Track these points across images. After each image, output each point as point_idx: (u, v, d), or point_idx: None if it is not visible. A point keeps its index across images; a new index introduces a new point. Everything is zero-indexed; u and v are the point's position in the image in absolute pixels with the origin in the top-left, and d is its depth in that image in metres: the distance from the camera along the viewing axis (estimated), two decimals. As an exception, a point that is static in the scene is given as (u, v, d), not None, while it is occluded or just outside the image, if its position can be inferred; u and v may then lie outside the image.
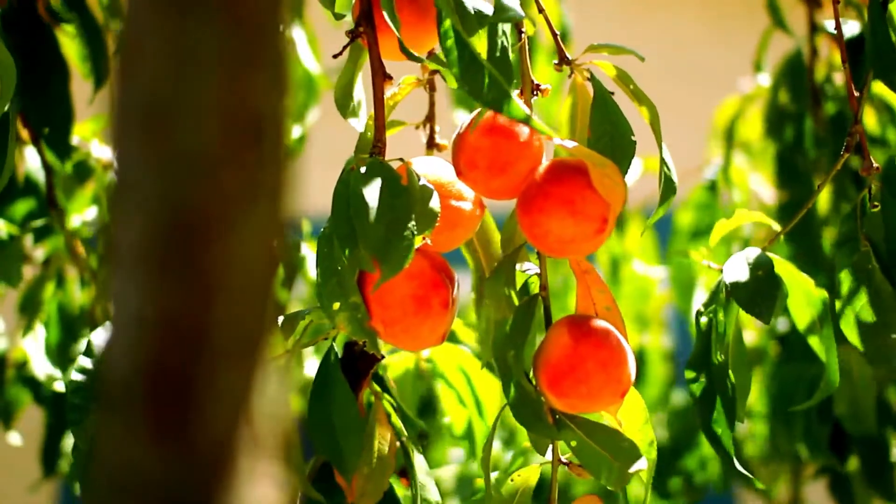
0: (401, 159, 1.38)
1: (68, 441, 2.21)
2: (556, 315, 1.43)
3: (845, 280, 1.55)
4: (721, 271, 1.51)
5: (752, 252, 1.52)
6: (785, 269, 1.51)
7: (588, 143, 1.39)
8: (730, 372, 1.50)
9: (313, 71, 2.31)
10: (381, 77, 1.41)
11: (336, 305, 1.35)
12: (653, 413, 2.96)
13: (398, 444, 1.44)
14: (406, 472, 1.48)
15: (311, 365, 2.13)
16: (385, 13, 1.32)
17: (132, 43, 0.73)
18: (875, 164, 1.55)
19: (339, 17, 1.46)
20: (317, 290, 1.35)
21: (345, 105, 1.48)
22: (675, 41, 5.71)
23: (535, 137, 1.37)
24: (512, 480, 1.43)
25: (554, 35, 1.46)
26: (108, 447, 0.72)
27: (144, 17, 0.72)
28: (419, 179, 1.33)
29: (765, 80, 2.50)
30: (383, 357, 1.45)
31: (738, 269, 1.50)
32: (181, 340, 0.71)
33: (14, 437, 2.28)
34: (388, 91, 1.43)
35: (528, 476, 1.44)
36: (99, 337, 1.47)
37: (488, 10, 1.30)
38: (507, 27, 1.32)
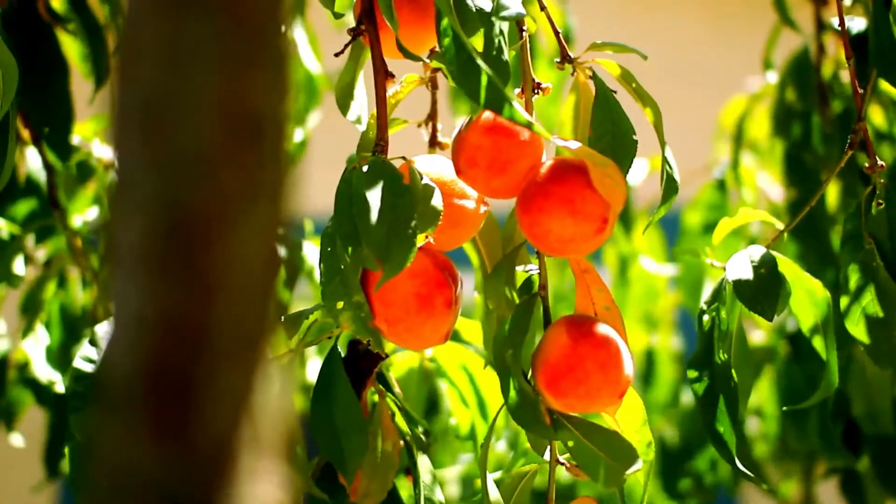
0: (403, 158, 1.38)
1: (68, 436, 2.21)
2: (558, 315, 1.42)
3: (852, 277, 1.54)
4: (725, 269, 1.51)
5: (756, 250, 1.51)
6: (788, 267, 1.50)
7: (589, 142, 1.39)
8: (732, 371, 1.49)
9: (314, 72, 2.30)
10: (383, 75, 1.41)
11: (339, 304, 1.34)
12: (662, 414, 2.96)
13: (402, 443, 1.44)
14: (410, 472, 1.47)
15: (314, 364, 2.13)
16: (383, 13, 1.31)
17: (132, 42, 0.73)
18: (880, 162, 1.55)
19: (338, 15, 1.46)
20: (320, 289, 1.35)
21: (346, 104, 1.48)
22: (675, 41, 5.71)
23: (535, 136, 1.36)
24: (510, 480, 1.43)
25: (556, 33, 1.46)
26: (108, 447, 0.72)
27: (144, 16, 0.72)
28: (422, 178, 1.33)
29: (773, 78, 2.49)
30: (387, 356, 1.45)
31: (741, 267, 1.49)
32: (181, 340, 0.71)
33: (16, 439, 2.28)
34: (390, 89, 1.43)
35: (526, 476, 1.43)
36: (103, 330, 1.47)
37: (489, 8, 1.29)
38: (505, 25, 1.31)
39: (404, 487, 1.49)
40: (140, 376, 0.71)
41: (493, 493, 1.40)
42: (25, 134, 1.91)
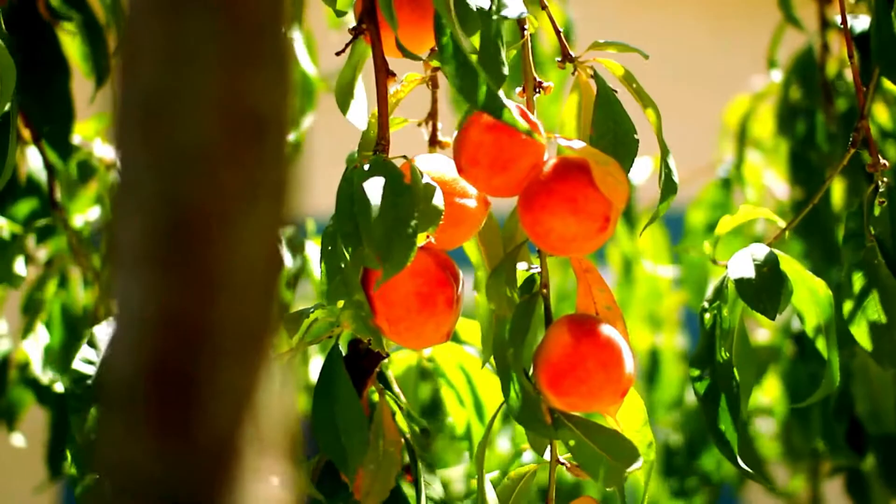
0: (404, 157, 1.38)
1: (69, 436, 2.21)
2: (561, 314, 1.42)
3: (855, 277, 1.54)
4: (727, 268, 1.51)
5: (758, 248, 1.51)
6: (791, 266, 1.50)
7: (591, 141, 1.39)
8: (734, 370, 1.49)
9: (311, 73, 2.30)
10: (384, 74, 1.41)
11: (340, 303, 1.34)
12: (668, 413, 2.96)
13: (403, 442, 1.44)
14: (410, 471, 1.47)
15: (316, 364, 2.13)
16: (383, 12, 1.31)
17: (133, 41, 0.73)
18: (883, 161, 1.55)
19: (340, 14, 1.46)
20: (321, 288, 1.35)
21: (346, 103, 1.48)
22: (675, 40, 5.71)
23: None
24: (509, 480, 1.43)
25: (557, 32, 1.46)
26: (110, 446, 0.72)
27: (145, 15, 0.72)
28: (422, 177, 1.32)
29: (777, 76, 2.49)
30: (388, 355, 1.45)
31: (743, 265, 1.49)
32: (183, 339, 0.71)
33: (18, 439, 2.28)
34: (391, 88, 1.43)
35: (525, 476, 1.43)
36: (102, 330, 1.47)
37: (488, 6, 1.29)
38: (504, 24, 1.31)
39: (407, 486, 1.49)
40: (142, 375, 0.71)
41: (490, 494, 1.40)
42: (26, 133, 1.91)
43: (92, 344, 1.48)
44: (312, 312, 1.39)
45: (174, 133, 0.71)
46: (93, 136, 2.14)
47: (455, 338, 1.76)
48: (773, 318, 1.46)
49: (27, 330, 2.03)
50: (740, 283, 1.48)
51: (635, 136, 1.40)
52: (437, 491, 1.46)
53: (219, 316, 0.72)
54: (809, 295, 1.51)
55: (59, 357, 2.07)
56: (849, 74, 2.36)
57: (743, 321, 1.53)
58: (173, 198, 0.71)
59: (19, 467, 3.05)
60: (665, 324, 3.00)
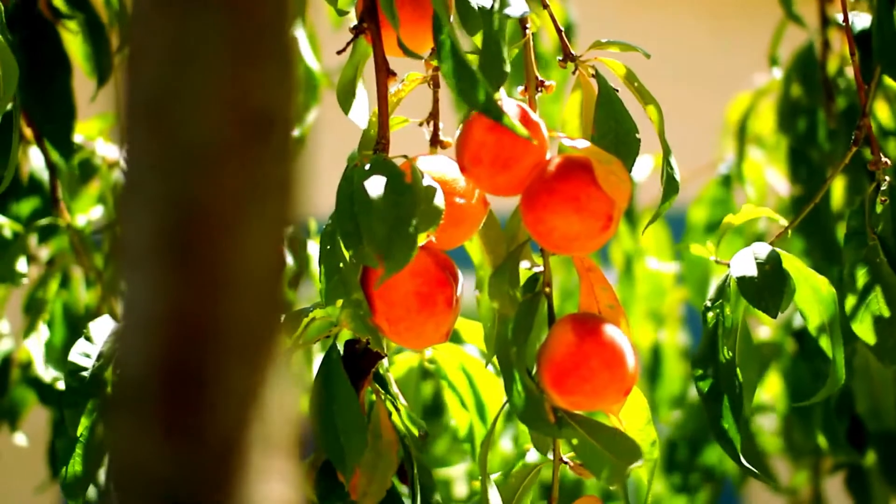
0: (405, 156, 1.38)
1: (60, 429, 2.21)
2: (565, 313, 1.42)
3: (857, 275, 1.54)
4: (729, 266, 1.51)
5: (760, 247, 1.51)
6: (793, 264, 1.50)
7: (592, 141, 1.39)
8: (737, 368, 1.49)
9: (315, 69, 2.30)
10: (384, 73, 1.41)
11: (339, 303, 1.34)
12: (671, 410, 2.96)
13: (400, 443, 1.44)
14: (405, 473, 1.47)
15: (317, 363, 2.13)
16: (384, 11, 1.31)
17: (138, 40, 0.73)
18: (884, 159, 1.55)
19: (342, 13, 1.46)
20: (321, 287, 1.35)
21: (347, 102, 1.47)
22: (674, 40, 5.71)
23: (539, 133, 1.36)
24: (512, 479, 1.43)
25: (559, 31, 1.46)
26: (120, 445, 0.72)
27: (150, 13, 0.72)
28: (423, 176, 1.32)
29: (778, 73, 2.49)
30: (386, 355, 1.45)
31: (745, 264, 1.49)
32: (191, 338, 0.72)
33: (20, 438, 2.28)
34: (392, 88, 1.43)
35: (528, 475, 1.43)
36: (99, 325, 1.48)
37: (489, 5, 1.29)
38: (507, 22, 1.31)
39: (403, 487, 1.49)
40: (149, 374, 0.71)
41: (494, 495, 1.40)
42: (28, 132, 1.91)
43: (88, 338, 1.48)
44: (311, 311, 1.39)
45: (179, 131, 0.72)
46: (95, 136, 2.14)
47: (456, 338, 1.76)
48: (774, 317, 1.46)
49: (29, 329, 2.03)
50: (742, 282, 1.48)
51: (637, 135, 1.40)
52: (432, 492, 1.46)
53: (225, 315, 0.72)
54: (812, 293, 1.51)
55: (61, 356, 2.06)
56: (849, 72, 2.36)
57: (745, 319, 1.53)
58: (179, 196, 0.71)
59: (21, 467, 3.05)
60: (667, 321, 3.00)
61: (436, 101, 1.59)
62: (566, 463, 1.42)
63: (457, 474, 2.59)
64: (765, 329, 2.71)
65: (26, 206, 2.05)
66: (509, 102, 1.34)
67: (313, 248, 2.03)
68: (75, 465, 1.44)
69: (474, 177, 1.38)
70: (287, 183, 0.74)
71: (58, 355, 2.06)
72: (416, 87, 1.48)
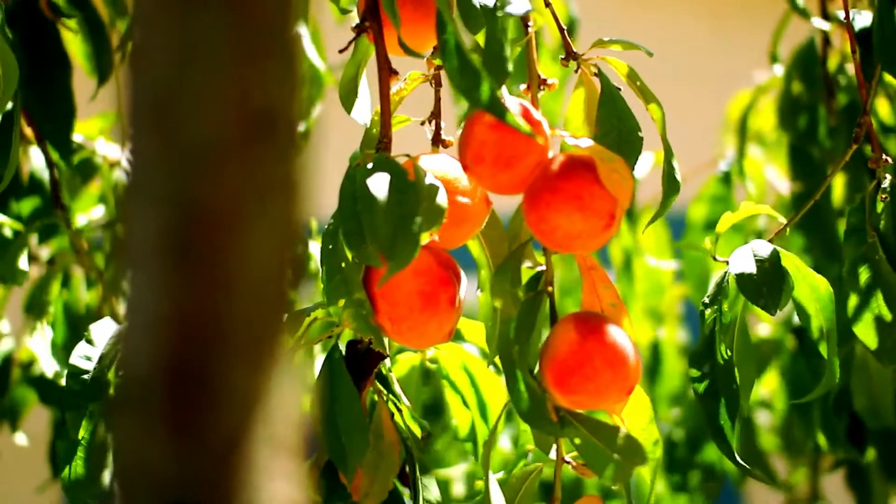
0: (407, 155, 1.37)
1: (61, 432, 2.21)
2: (567, 311, 1.42)
3: (858, 274, 1.54)
4: (728, 263, 1.51)
5: (759, 244, 1.51)
6: (792, 262, 1.50)
7: (595, 139, 1.38)
8: (734, 366, 1.49)
9: (318, 66, 2.29)
10: (387, 72, 1.40)
11: (341, 302, 1.34)
12: (670, 408, 2.96)
13: (402, 443, 1.44)
14: (406, 473, 1.47)
15: (319, 363, 2.13)
16: (386, 10, 1.31)
17: (142, 39, 0.73)
18: (886, 157, 1.55)
19: (344, 11, 1.46)
20: (323, 287, 1.35)
21: (349, 101, 1.47)
22: (674, 40, 5.71)
23: (541, 131, 1.36)
24: (514, 479, 1.43)
25: (560, 29, 1.46)
26: (123, 445, 0.72)
27: (154, 12, 0.72)
28: (425, 175, 1.32)
29: (779, 70, 2.49)
30: (388, 355, 1.45)
31: (744, 261, 1.49)
32: (194, 337, 0.71)
33: (20, 438, 2.28)
34: (394, 87, 1.42)
35: (531, 475, 1.43)
36: (100, 327, 1.47)
37: (493, 4, 1.29)
38: (509, 20, 1.31)
39: (405, 488, 1.49)
40: (153, 374, 0.71)
41: (497, 495, 1.40)
42: (28, 132, 1.90)
43: (89, 340, 1.48)
44: (312, 311, 1.39)
45: (183, 131, 0.72)
46: (95, 135, 2.14)
47: (458, 337, 1.76)
48: (773, 314, 1.46)
49: (32, 329, 2.03)
50: (741, 279, 1.48)
51: (639, 133, 1.40)
52: (433, 493, 1.46)
53: (229, 315, 0.72)
54: (810, 291, 1.52)
55: (62, 356, 2.06)
56: (850, 69, 2.36)
57: (744, 317, 1.53)
58: (182, 196, 0.71)
59: (22, 467, 3.05)
60: (666, 318, 3.00)
61: (437, 100, 1.58)
62: (568, 463, 1.41)
63: (455, 474, 2.59)
64: (764, 326, 2.72)
65: (27, 206, 2.04)
66: (511, 100, 1.34)
67: (314, 247, 2.03)
68: (77, 467, 1.44)
69: (476, 175, 1.38)
70: (291, 182, 0.74)
71: (59, 355, 2.06)
72: (417, 85, 1.48)
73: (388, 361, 1.47)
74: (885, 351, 1.54)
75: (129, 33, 0.69)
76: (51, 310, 2.06)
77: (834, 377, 1.52)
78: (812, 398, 1.61)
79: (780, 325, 2.67)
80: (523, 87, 1.42)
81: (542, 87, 1.42)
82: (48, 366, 2.04)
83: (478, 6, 1.29)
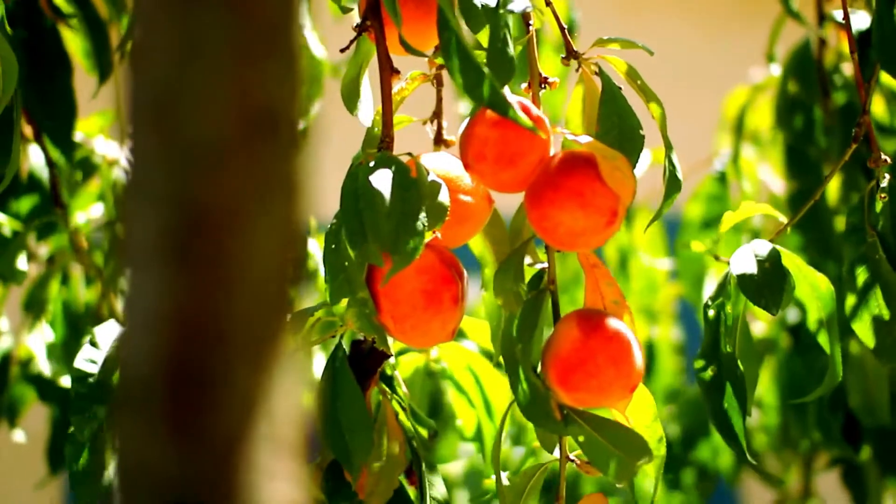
0: (409, 154, 1.37)
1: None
2: (564, 309, 1.42)
3: (857, 273, 1.54)
4: (728, 263, 1.51)
5: (760, 244, 1.51)
6: (792, 261, 1.50)
7: (596, 137, 1.39)
8: (738, 363, 1.49)
9: (322, 58, 2.29)
10: (388, 72, 1.40)
11: (344, 301, 1.34)
12: (664, 406, 2.96)
13: (407, 442, 1.44)
14: (413, 472, 1.47)
15: (318, 361, 2.13)
16: (387, 9, 1.31)
17: (143, 37, 0.73)
18: (884, 156, 1.55)
19: (345, 10, 1.46)
20: (325, 286, 1.35)
21: (351, 100, 1.47)
22: (671, 42, 5.71)
23: (543, 129, 1.36)
24: (520, 477, 1.43)
25: (561, 28, 1.46)
26: (125, 445, 0.71)
27: (155, 11, 0.72)
28: (428, 173, 1.32)
29: (776, 70, 2.49)
30: (391, 355, 1.44)
31: (745, 261, 1.50)
32: (195, 337, 0.71)
33: (19, 435, 2.28)
34: (395, 86, 1.42)
35: (537, 473, 1.43)
36: (104, 330, 1.47)
37: (494, 2, 1.29)
38: (510, 19, 1.31)
39: (411, 487, 1.49)
40: (154, 374, 0.71)
41: (508, 493, 1.40)
42: (28, 130, 1.90)
43: (94, 343, 1.47)
44: (316, 311, 1.39)
45: (183, 129, 0.71)
46: (95, 133, 2.14)
47: (461, 336, 1.76)
48: (775, 314, 1.46)
49: (31, 327, 2.03)
50: (742, 279, 1.48)
51: (641, 132, 1.40)
52: (440, 491, 1.46)
53: (230, 314, 0.72)
54: (811, 290, 1.52)
55: (61, 354, 2.07)
56: (846, 68, 2.36)
57: (745, 316, 1.54)
58: (183, 195, 0.71)
59: (20, 464, 3.05)
60: (661, 317, 3.01)
61: (439, 99, 1.59)
62: (573, 461, 1.41)
63: (452, 473, 2.59)
64: (759, 325, 2.72)
65: (26, 204, 2.04)
66: (512, 99, 1.34)
67: (314, 246, 2.03)
68: (84, 467, 1.44)
69: (479, 173, 1.38)
70: (291, 181, 0.74)
71: (58, 353, 2.06)
72: (419, 85, 1.48)
73: (392, 360, 1.46)
74: (884, 349, 1.54)
75: (130, 32, 0.69)
76: (50, 308, 2.06)
77: (836, 376, 1.52)
78: (814, 397, 1.61)
79: (775, 323, 2.68)
80: (524, 85, 1.43)
81: (543, 86, 1.42)
82: (46, 364, 2.04)
83: (479, 5, 1.29)
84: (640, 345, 1.38)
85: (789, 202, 2.45)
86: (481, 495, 1.60)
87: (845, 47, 2.34)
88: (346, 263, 1.32)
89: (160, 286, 0.71)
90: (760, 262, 1.49)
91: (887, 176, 1.56)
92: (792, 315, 2.60)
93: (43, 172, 2.02)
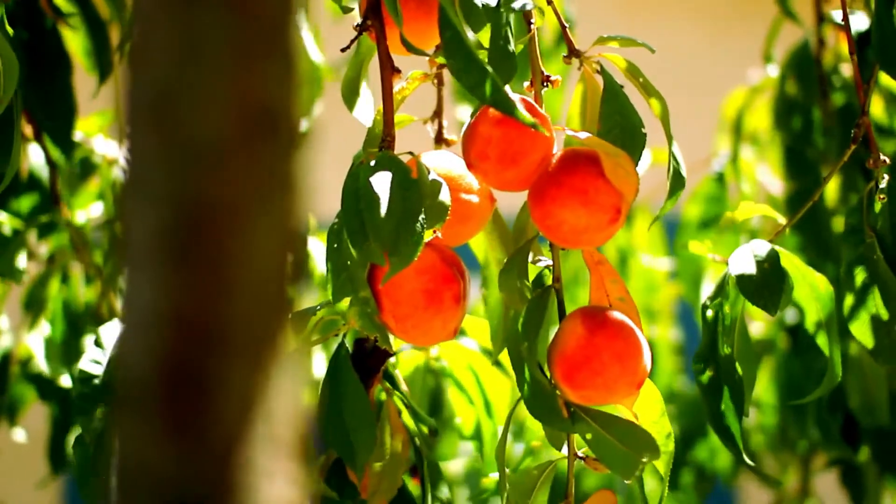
0: (410, 153, 1.37)
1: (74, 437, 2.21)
2: (567, 307, 1.42)
3: (855, 274, 1.54)
4: (727, 263, 1.51)
5: (758, 244, 1.51)
6: (791, 262, 1.51)
7: (598, 135, 1.39)
8: (737, 364, 1.49)
9: (318, 62, 2.29)
10: (389, 71, 1.40)
11: (346, 301, 1.34)
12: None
13: (410, 441, 1.44)
14: (417, 470, 1.47)
15: (318, 360, 2.13)
16: (388, 7, 1.31)
17: (142, 36, 0.73)
18: (883, 157, 1.55)
19: (346, 10, 1.46)
20: (327, 285, 1.35)
21: (352, 100, 1.47)
22: (669, 43, 5.71)
23: (546, 127, 1.36)
24: (531, 475, 1.42)
25: (563, 27, 1.46)
26: (123, 445, 0.71)
27: (154, 10, 0.72)
28: (429, 173, 1.32)
29: (773, 71, 2.49)
30: (394, 354, 1.44)
31: (743, 262, 1.49)
32: (195, 336, 0.71)
33: (19, 434, 2.28)
34: (396, 85, 1.42)
35: (546, 471, 1.43)
36: (109, 330, 1.47)
37: (495, 1, 1.29)
38: (511, 17, 1.31)
39: (413, 485, 1.49)
40: (153, 373, 0.71)
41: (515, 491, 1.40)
42: (28, 129, 1.90)
43: (99, 344, 1.47)
44: (319, 310, 1.39)
45: (183, 129, 0.71)
46: (95, 132, 2.14)
47: (463, 335, 1.76)
48: (773, 315, 1.46)
49: (30, 326, 2.03)
50: (741, 280, 1.48)
51: (643, 129, 1.40)
52: (443, 490, 1.46)
53: (229, 314, 0.71)
54: (810, 290, 1.52)
55: (61, 353, 2.06)
56: (844, 69, 2.37)
57: (743, 317, 1.54)
58: (185, 193, 0.71)
59: (21, 463, 3.05)
60: (660, 317, 3.01)
61: (440, 98, 1.59)
62: (581, 458, 1.41)
63: (453, 470, 2.59)
64: (757, 325, 2.72)
65: (26, 203, 2.04)
66: (514, 97, 1.34)
67: (313, 245, 2.03)
68: (92, 470, 1.44)
69: (481, 173, 1.38)
70: (291, 181, 0.74)
71: (58, 352, 2.06)
72: (419, 84, 1.48)
73: (394, 359, 1.46)
74: (882, 350, 1.54)
75: (129, 32, 0.69)
76: (50, 307, 2.06)
77: (836, 377, 1.52)
78: (814, 397, 1.61)
79: (773, 324, 2.68)
80: (527, 84, 1.43)
81: (545, 84, 1.42)
82: (45, 364, 2.04)
83: (479, 4, 1.29)
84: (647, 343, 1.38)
85: (788, 203, 2.45)
86: (480, 493, 1.60)
87: (844, 48, 2.34)
88: (349, 263, 1.32)
89: (158, 285, 0.71)
90: (759, 263, 1.49)
91: (886, 177, 1.56)
92: (790, 316, 2.60)
93: (43, 171, 2.02)
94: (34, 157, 2.05)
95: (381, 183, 1.29)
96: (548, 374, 1.37)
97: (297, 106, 0.75)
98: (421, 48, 1.38)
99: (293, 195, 0.74)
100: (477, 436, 1.73)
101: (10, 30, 1.54)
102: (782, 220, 1.64)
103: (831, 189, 2.38)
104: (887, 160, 1.56)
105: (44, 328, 2.07)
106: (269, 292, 0.73)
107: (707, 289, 2.66)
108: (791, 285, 1.51)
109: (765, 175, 2.76)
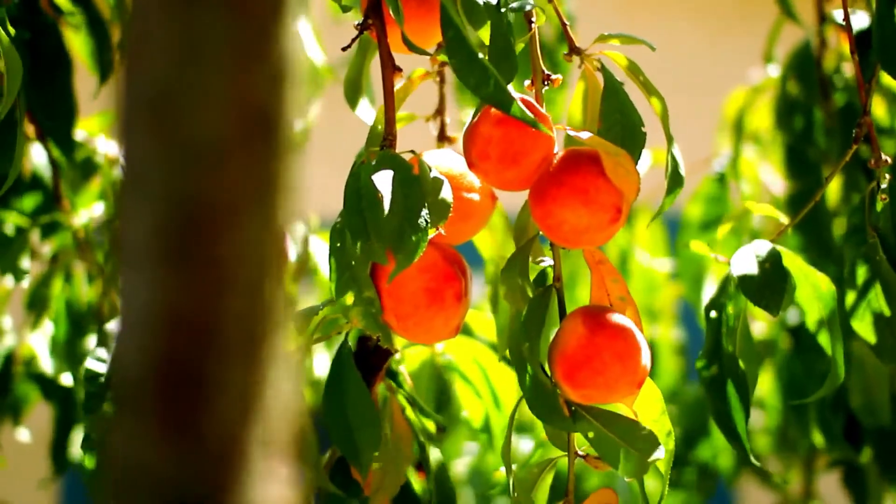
0: (412, 151, 1.37)
1: (77, 437, 2.21)
2: (568, 307, 1.42)
3: (858, 273, 1.54)
4: (729, 264, 1.51)
5: (760, 244, 1.52)
6: (793, 262, 1.51)
7: (599, 134, 1.39)
8: (740, 363, 1.49)
9: (317, 62, 2.29)
10: (390, 70, 1.40)
11: (349, 299, 1.34)
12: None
13: (414, 438, 1.44)
14: (422, 466, 1.47)
15: (320, 358, 2.13)
16: (389, 6, 1.31)
17: (140, 36, 0.73)
18: (885, 157, 1.55)
19: (346, 9, 1.46)
20: (329, 284, 1.35)
21: (354, 98, 1.47)
22: (669, 44, 5.71)
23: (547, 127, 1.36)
24: (531, 471, 1.42)
25: (563, 25, 1.46)
26: (119, 444, 0.71)
27: (152, 10, 0.72)
28: (431, 171, 1.32)
29: (775, 71, 2.49)
30: (397, 351, 1.44)
31: (746, 262, 1.50)
32: (191, 336, 0.71)
33: (23, 434, 2.28)
34: (398, 84, 1.43)
35: (546, 467, 1.43)
36: (114, 327, 1.47)
37: (495, 1, 1.29)
38: (511, 16, 1.31)
39: (417, 481, 1.49)
40: (149, 373, 0.71)
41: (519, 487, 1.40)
42: (30, 129, 1.90)
43: (103, 342, 1.47)
44: (321, 309, 1.39)
45: (180, 129, 0.71)
46: (96, 132, 2.14)
47: (468, 331, 1.76)
48: (775, 315, 1.46)
49: (34, 325, 2.03)
50: (744, 280, 1.48)
51: (643, 128, 1.40)
52: (448, 487, 1.46)
53: (227, 313, 0.71)
54: (812, 290, 1.52)
55: (64, 353, 2.07)
56: (846, 69, 2.36)
57: (746, 317, 1.54)
58: (181, 193, 0.71)
59: (24, 462, 3.05)
60: (661, 317, 3.00)
61: (442, 97, 1.59)
62: (582, 457, 1.41)
63: (458, 468, 2.59)
64: (759, 325, 2.72)
65: (29, 202, 2.04)
66: (516, 96, 1.34)
67: (314, 243, 2.03)
68: (100, 468, 1.44)
69: (483, 172, 1.38)
70: (287, 181, 0.74)
71: (61, 351, 2.06)
72: (421, 83, 1.48)
73: (398, 357, 1.47)
74: (885, 349, 1.54)
75: (128, 31, 0.69)
76: (52, 306, 2.06)
77: (838, 377, 1.52)
78: (817, 397, 1.61)
79: (775, 324, 2.67)
80: (527, 82, 1.43)
81: (546, 83, 1.42)
82: (48, 363, 2.04)
83: (481, 2, 1.29)
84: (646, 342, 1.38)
85: (789, 203, 2.45)
86: (490, 488, 1.60)
87: (845, 48, 2.34)
88: (352, 261, 1.32)
89: (155, 284, 0.71)
90: (761, 263, 1.49)
91: (888, 177, 1.56)
92: (793, 316, 2.60)
93: (46, 172, 2.03)
94: (37, 158, 2.05)
95: (384, 181, 1.29)
96: (549, 373, 1.37)
97: (295, 107, 0.75)
98: (422, 47, 1.38)
99: (289, 195, 0.74)
100: (486, 429, 1.73)
101: (11, 30, 1.54)
102: (784, 220, 1.64)
103: (833, 189, 2.37)
104: (889, 160, 1.56)
105: (47, 328, 2.07)
106: (265, 291, 0.73)
107: (709, 289, 2.65)
108: (793, 285, 1.51)
109: (767, 175, 2.76)
